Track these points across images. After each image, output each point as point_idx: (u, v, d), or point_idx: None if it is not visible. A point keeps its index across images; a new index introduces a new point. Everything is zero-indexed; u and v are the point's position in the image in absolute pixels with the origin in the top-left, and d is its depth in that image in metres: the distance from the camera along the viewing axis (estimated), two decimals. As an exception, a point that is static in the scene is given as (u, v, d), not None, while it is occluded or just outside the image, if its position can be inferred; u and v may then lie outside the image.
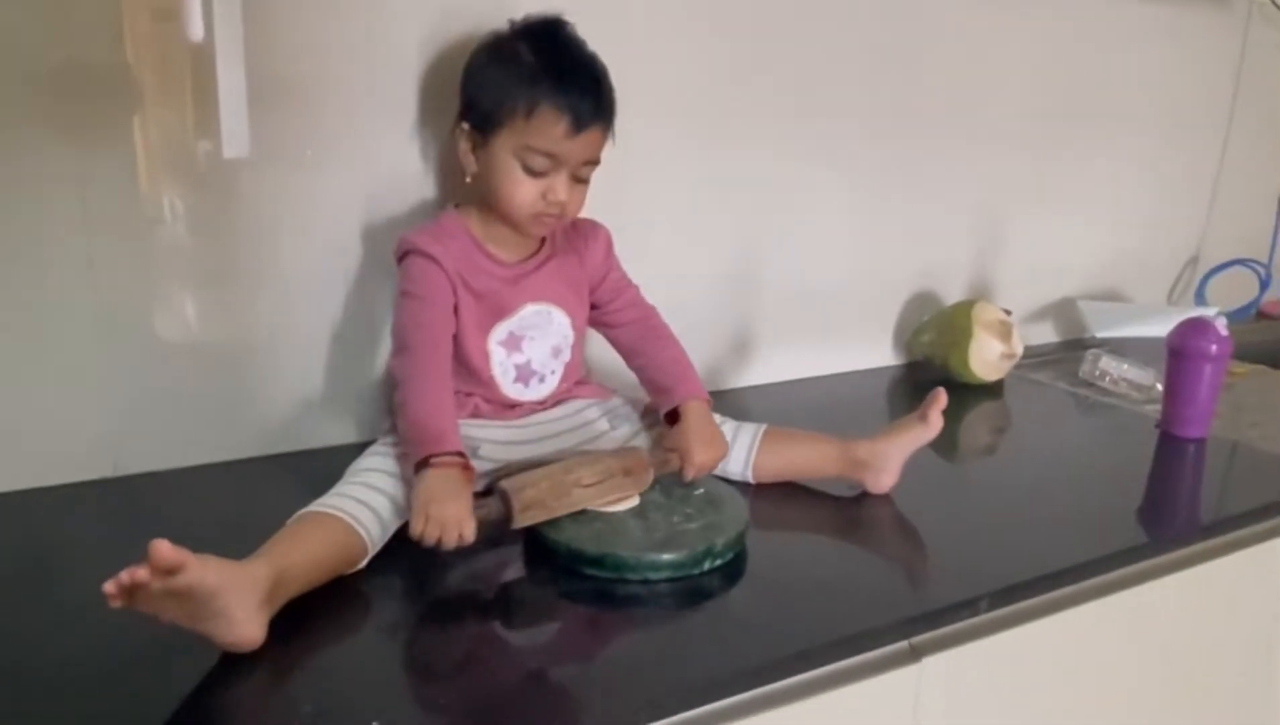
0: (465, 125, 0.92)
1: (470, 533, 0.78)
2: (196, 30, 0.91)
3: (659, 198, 1.19)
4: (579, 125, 0.88)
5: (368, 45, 0.98)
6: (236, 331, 0.99)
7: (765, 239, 1.31)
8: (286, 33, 0.94)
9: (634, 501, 0.88)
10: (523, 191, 0.90)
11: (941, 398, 0.96)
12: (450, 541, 0.77)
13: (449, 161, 1.04)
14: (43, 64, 0.85)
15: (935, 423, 0.96)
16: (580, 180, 0.92)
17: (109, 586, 0.61)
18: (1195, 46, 1.72)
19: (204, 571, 0.63)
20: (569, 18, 0.93)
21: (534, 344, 0.96)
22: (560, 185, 0.90)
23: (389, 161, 1.02)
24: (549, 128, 0.87)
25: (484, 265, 0.94)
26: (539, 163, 0.89)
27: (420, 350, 0.88)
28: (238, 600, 0.66)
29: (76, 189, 0.88)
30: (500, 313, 0.94)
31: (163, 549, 0.61)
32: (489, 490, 0.85)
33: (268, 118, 0.95)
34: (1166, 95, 1.70)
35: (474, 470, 0.83)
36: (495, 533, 0.82)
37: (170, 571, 0.62)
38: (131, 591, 0.61)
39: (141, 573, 0.61)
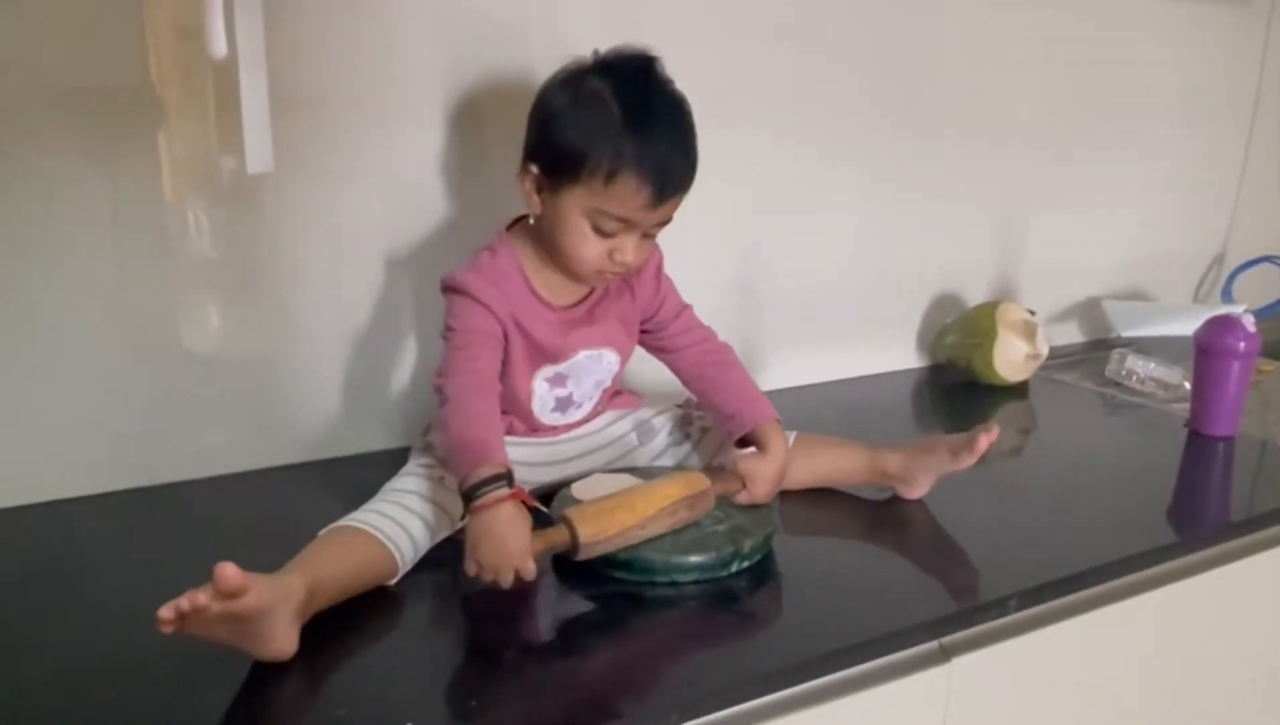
0: (533, 168, 0.86)
1: (531, 572, 0.75)
2: (219, 48, 0.92)
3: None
4: (662, 196, 0.83)
5: (387, 58, 0.99)
6: (264, 342, 1.00)
7: (783, 240, 1.31)
8: (307, 48, 0.95)
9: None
10: (588, 250, 0.85)
11: (991, 436, 0.91)
12: (507, 584, 0.75)
13: (470, 171, 1.05)
14: (72, 85, 0.86)
15: (972, 459, 0.92)
16: (649, 236, 0.88)
17: (165, 612, 0.60)
18: (1218, 41, 1.70)
19: (261, 593, 0.64)
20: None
21: (578, 381, 0.95)
22: (629, 246, 0.85)
23: (410, 172, 1.03)
24: (629, 196, 0.82)
25: (537, 311, 0.89)
26: (611, 226, 0.84)
27: (464, 387, 0.82)
28: (280, 616, 0.66)
29: (109, 206, 0.90)
30: (551, 357, 0.91)
31: (229, 573, 0.61)
32: (544, 512, 0.83)
33: (290, 131, 0.96)
34: (1189, 91, 1.69)
35: (527, 496, 0.79)
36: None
37: (233, 595, 0.62)
38: (187, 617, 0.61)
39: (202, 598, 0.60)
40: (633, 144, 0.81)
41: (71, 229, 0.89)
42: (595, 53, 0.86)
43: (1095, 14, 1.53)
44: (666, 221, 0.88)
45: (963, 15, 1.38)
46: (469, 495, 0.76)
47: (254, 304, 0.99)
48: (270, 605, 0.65)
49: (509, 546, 0.74)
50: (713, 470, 0.93)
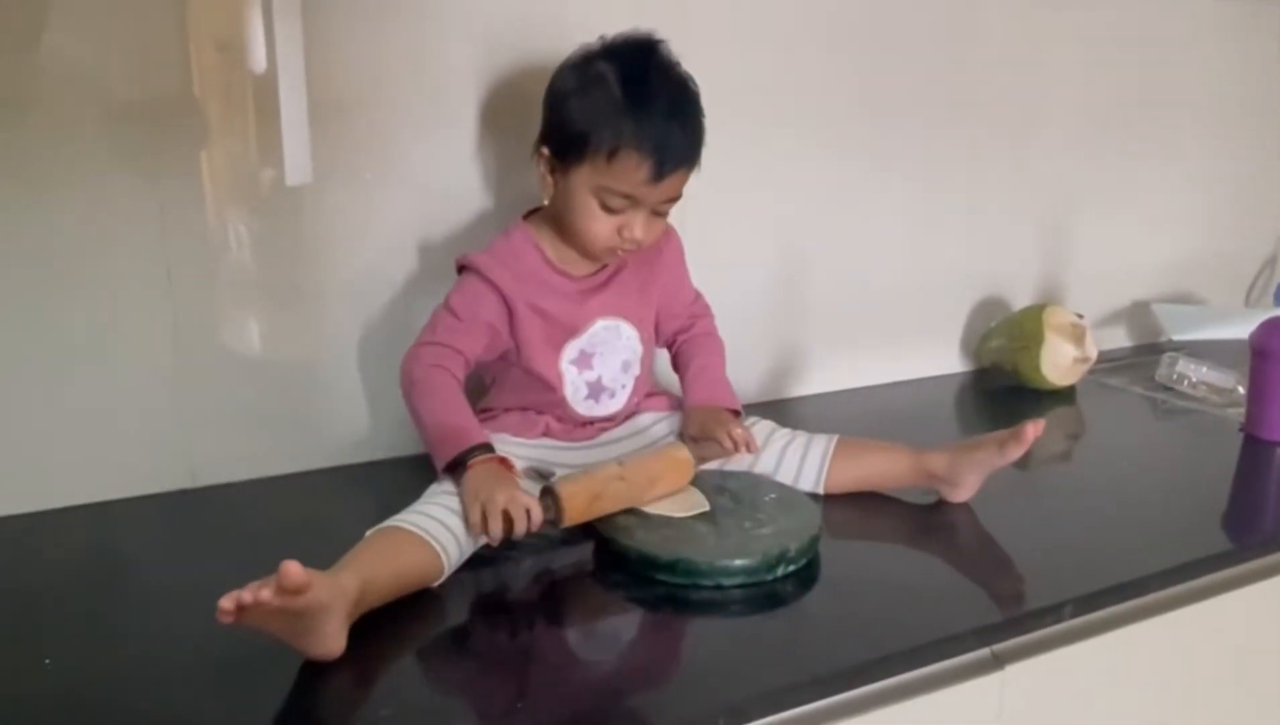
0: (545, 150, 0.91)
1: (537, 513, 0.79)
2: (259, 61, 0.93)
3: (714, 202, 1.18)
4: (661, 171, 0.86)
5: (423, 64, 1.00)
6: (305, 348, 1.01)
7: (826, 244, 1.30)
8: (344, 58, 0.96)
9: (704, 506, 0.87)
10: (597, 227, 0.89)
11: (1038, 428, 0.90)
12: (519, 524, 0.78)
13: (505, 176, 1.05)
14: (119, 99, 0.88)
15: (1020, 450, 0.90)
16: (659, 214, 0.91)
17: (227, 603, 0.61)
18: (1268, 39, 1.67)
19: (319, 590, 0.64)
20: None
21: (604, 360, 0.96)
22: (637, 223, 0.89)
23: (446, 178, 1.03)
24: (629, 172, 0.85)
25: (553, 282, 0.93)
26: (617, 202, 0.87)
27: (429, 362, 0.89)
28: (334, 615, 0.66)
29: (156, 216, 0.91)
30: (571, 331, 0.93)
31: (293, 570, 0.61)
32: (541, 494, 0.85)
33: (327, 140, 0.96)
34: (1238, 91, 1.66)
35: (512, 464, 0.84)
36: (548, 532, 0.83)
37: (295, 592, 0.62)
38: (247, 609, 0.61)
39: (266, 592, 0.61)
40: (632, 122, 0.84)
41: (120, 237, 0.90)
42: (602, 38, 0.89)
43: (1141, 14, 1.50)
44: (674, 199, 0.90)
45: (1007, 16, 1.36)
46: (458, 462, 0.82)
47: (294, 310, 1.00)
48: (327, 603, 0.65)
49: (502, 494, 0.79)
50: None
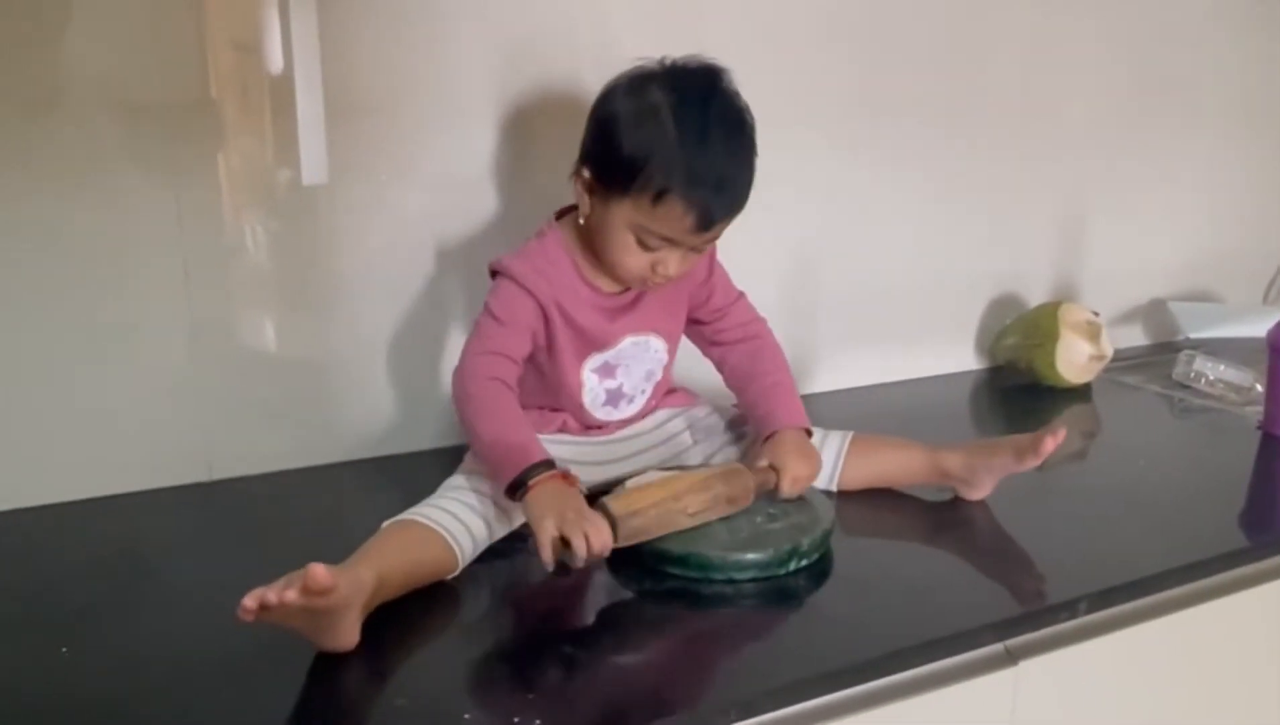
0: (586, 173, 0.85)
1: (609, 537, 0.75)
2: (276, 62, 0.94)
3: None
4: (708, 224, 0.82)
5: (439, 64, 1.00)
6: (320, 343, 1.02)
7: (840, 241, 1.29)
8: (360, 57, 0.96)
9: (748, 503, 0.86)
10: (632, 261, 0.85)
11: (1057, 439, 0.88)
12: (591, 549, 0.73)
13: (521, 175, 1.06)
14: (137, 100, 0.88)
15: (1036, 462, 0.89)
16: (696, 251, 0.86)
17: (250, 602, 0.61)
18: (1283, 36, 1.66)
19: (342, 589, 0.64)
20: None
21: (628, 371, 0.94)
22: (673, 261, 0.85)
23: (460, 174, 1.04)
24: (674, 220, 0.81)
25: (584, 295, 0.89)
26: (655, 242, 0.83)
27: (485, 376, 0.84)
28: (352, 610, 0.67)
29: (173, 216, 0.92)
30: (599, 345, 0.91)
31: (320, 573, 0.62)
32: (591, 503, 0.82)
33: (343, 140, 0.97)
34: (1255, 89, 1.65)
35: (576, 478, 0.81)
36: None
37: (322, 593, 0.62)
38: (270, 608, 0.61)
39: (291, 593, 0.61)
40: (683, 168, 0.79)
41: (138, 236, 0.91)
42: (662, 62, 0.84)
43: (1158, 10, 1.50)
44: (715, 239, 0.87)
45: (1022, 13, 1.36)
46: (518, 484, 0.77)
47: (310, 307, 1.01)
48: (348, 601, 0.66)
49: (566, 505, 0.75)
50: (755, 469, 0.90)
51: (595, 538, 0.74)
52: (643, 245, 0.84)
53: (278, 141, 0.95)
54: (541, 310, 0.87)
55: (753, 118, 0.85)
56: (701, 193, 0.80)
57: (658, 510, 0.80)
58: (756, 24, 1.16)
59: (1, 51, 0.83)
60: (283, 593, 0.61)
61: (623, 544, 0.78)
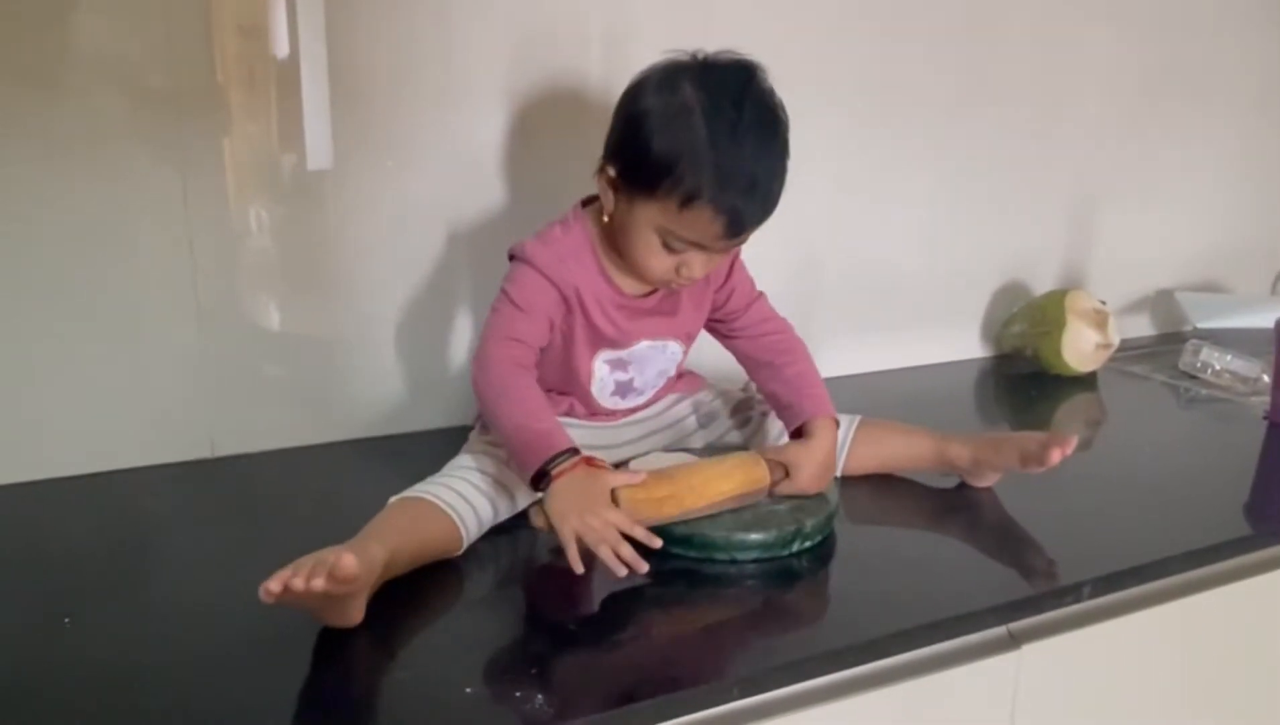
0: (611, 171, 0.82)
1: (641, 535, 0.74)
2: (282, 47, 0.93)
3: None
4: (737, 232, 0.79)
5: (445, 48, 1.00)
6: (326, 324, 1.02)
7: (848, 227, 1.29)
8: (366, 42, 0.96)
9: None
10: (656, 263, 0.82)
11: (1066, 449, 0.86)
12: (618, 553, 0.73)
13: (528, 160, 1.05)
14: (145, 84, 0.88)
15: (1041, 470, 0.88)
16: (720, 253, 0.84)
17: (275, 585, 0.62)
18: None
19: (364, 575, 0.65)
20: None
21: (640, 368, 0.93)
22: (698, 263, 0.82)
23: (466, 157, 1.03)
24: (703, 226, 0.78)
25: (606, 294, 0.87)
26: (680, 246, 0.81)
27: (508, 362, 0.82)
28: (363, 591, 0.67)
29: (180, 199, 0.92)
30: (613, 343, 0.89)
31: (350, 564, 0.62)
32: None
33: (349, 123, 0.97)
34: (1266, 79, 1.64)
35: (601, 463, 0.80)
36: None
37: (347, 583, 0.63)
38: (292, 592, 0.62)
39: (319, 583, 0.61)
40: (714, 172, 0.76)
41: (145, 218, 0.91)
42: (695, 56, 0.80)
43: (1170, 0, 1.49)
44: (743, 242, 0.85)
45: (1032, 1, 1.35)
46: (543, 473, 0.76)
47: (316, 287, 1.00)
48: (365, 584, 0.66)
49: (589, 500, 0.74)
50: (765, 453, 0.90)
51: (610, 551, 0.73)
52: (668, 248, 0.81)
53: (283, 125, 0.95)
54: (563, 300, 0.85)
55: (786, 116, 0.81)
56: (732, 198, 0.77)
57: (674, 504, 0.79)
58: (766, 9, 1.15)
59: (11, 29, 0.83)
60: (310, 582, 0.61)
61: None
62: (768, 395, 0.95)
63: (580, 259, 0.85)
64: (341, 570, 0.62)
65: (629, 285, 0.88)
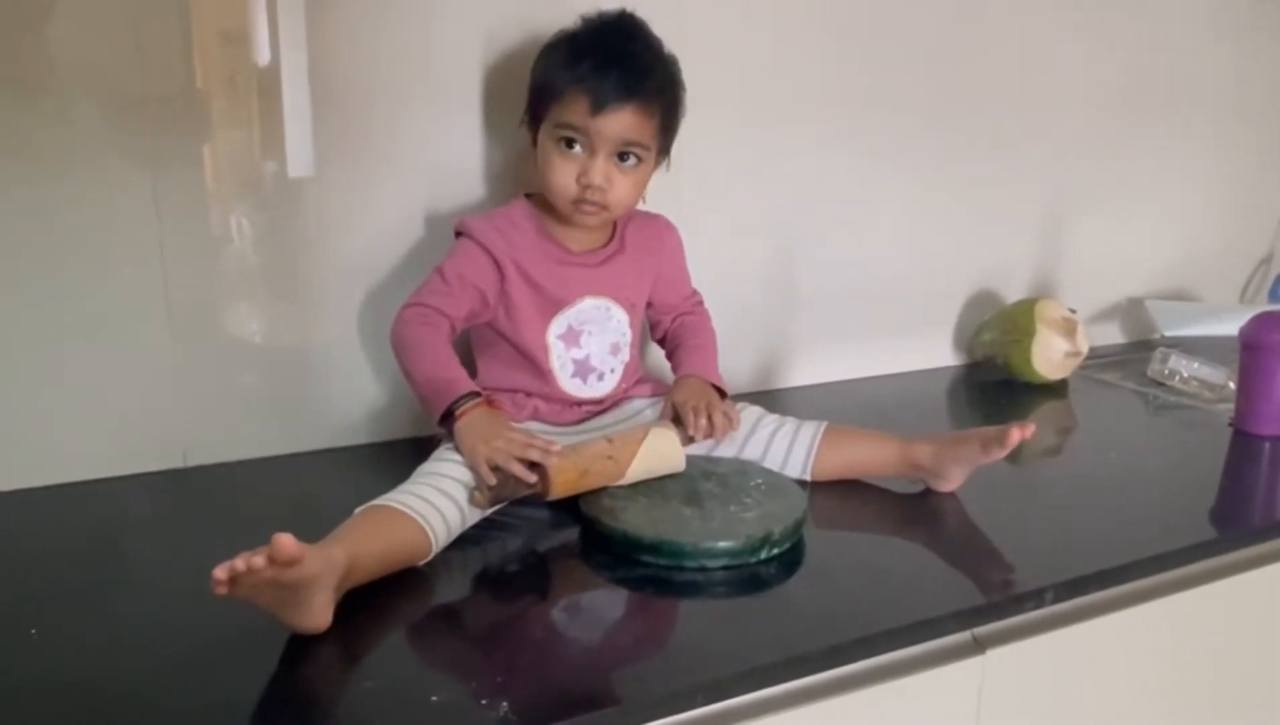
0: (525, 118, 0.95)
1: (545, 443, 0.83)
2: (263, 54, 0.94)
3: (710, 190, 1.19)
4: (600, 104, 0.88)
5: (426, 55, 1.00)
6: (301, 332, 1.02)
7: (820, 236, 1.30)
8: (348, 48, 0.96)
9: (680, 463, 0.91)
10: (559, 174, 0.91)
11: (1025, 432, 0.90)
12: (533, 456, 0.82)
13: (509, 166, 1.06)
14: (123, 91, 0.88)
15: (1002, 452, 0.91)
16: (624, 170, 0.92)
17: (220, 572, 0.61)
18: (1266, 40, 1.67)
19: (310, 562, 0.64)
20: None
21: (592, 339, 0.97)
22: (596, 169, 0.90)
23: (447, 169, 1.04)
24: (573, 104, 0.89)
25: (547, 250, 0.96)
26: (570, 135, 0.90)
27: (418, 321, 0.91)
28: (322, 587, 0.67)
29: (155, 207, 0.91)
30: (558, 303, 0.95)
31: (286, 543, 0.62)
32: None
33: (330, 130, 0.97)
34: (1236, 91, 1.66)
35: (501, 403, 0.91)
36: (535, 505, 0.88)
37: (288, 563, 0.63)
38: (239, 579, 0.62)
39: (258, 560, 0.61)
40: (576, 63, 0.89)
41: (120, 226, 0.90)
42: (582, 18, 0.94)
43: (1141, 11, 1.51)
44: (634, 144, 0.91)
45: (1006, 11, 1.37)
46: (448, 413, 0.86)
47: (294, 295, 1.01)
48: (318, 575, 0.66)
49: (493, 429, 0.84)
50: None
51: (527, 454, 0.83)
52: (565, 145, 0.90)
53: (264, 133, 0.95)
54: (496, 267, 0.93)
55: (659, 43, 0.93)
56: (590, 77, 0.88)
57: (585, 455, 0.86)
58: (746, 19, 1.16)
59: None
60: (250, 559, 0.61)
61: (560, 493, 0.85)
62: (673, 367, 1.05)
63: (519, 227, 0.95)
64: (279, 549, 0.62)
65: (572, 242, 0.97)
